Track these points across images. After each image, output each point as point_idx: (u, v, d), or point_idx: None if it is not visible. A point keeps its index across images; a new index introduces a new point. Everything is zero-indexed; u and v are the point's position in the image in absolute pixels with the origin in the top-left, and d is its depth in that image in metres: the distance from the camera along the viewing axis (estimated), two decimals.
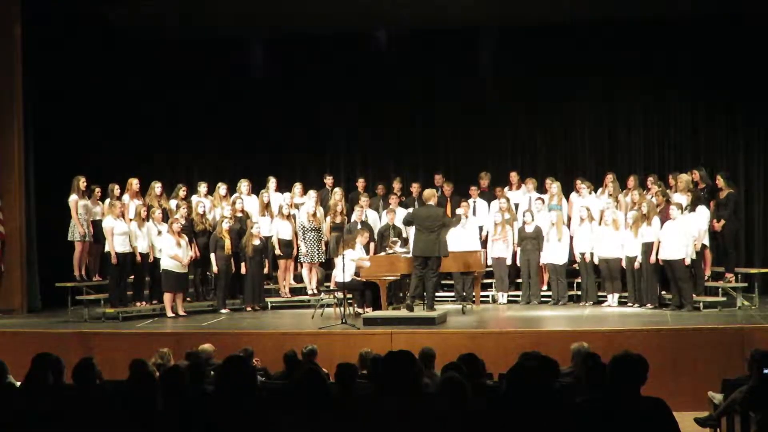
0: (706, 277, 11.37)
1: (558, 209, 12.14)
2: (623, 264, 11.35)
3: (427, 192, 10.92)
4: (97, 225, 11.77)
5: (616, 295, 11.47)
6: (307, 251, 12.24)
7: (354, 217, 12.45)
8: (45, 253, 12.49)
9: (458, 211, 12.16)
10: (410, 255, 10.60)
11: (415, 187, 13.12)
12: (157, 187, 12.02)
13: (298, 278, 12.72)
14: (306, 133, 14.66)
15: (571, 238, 11.95)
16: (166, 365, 7.04)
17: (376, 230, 12.38)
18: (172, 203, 12.13)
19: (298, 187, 12.85)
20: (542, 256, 11.93)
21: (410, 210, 11.69)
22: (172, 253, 11.16)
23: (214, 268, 11.76)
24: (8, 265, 12.06)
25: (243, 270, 11.84)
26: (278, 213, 12.30)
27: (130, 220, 11.41)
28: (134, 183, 12.02)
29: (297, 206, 12.63)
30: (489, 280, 12.47)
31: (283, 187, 13.00)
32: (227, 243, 11.66)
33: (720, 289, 11.25)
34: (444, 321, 10.20)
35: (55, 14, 12.67)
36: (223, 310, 11.61)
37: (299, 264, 12.62)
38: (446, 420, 4.10)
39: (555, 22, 13.40)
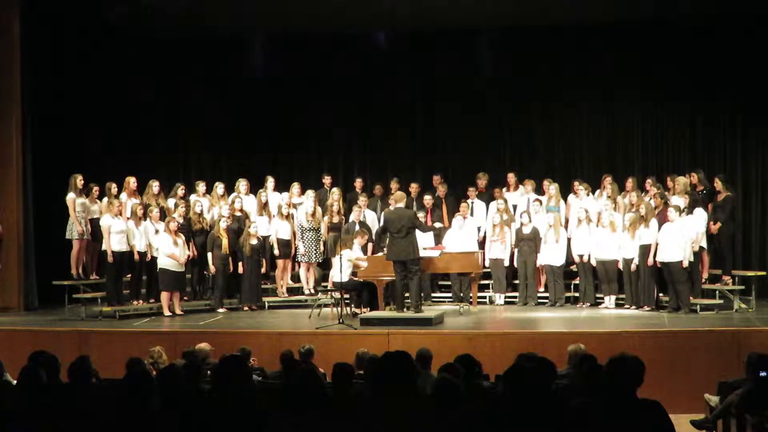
0: (703, 280, 11.36)
1: (556, 211, 12.14)
2: (620, 266, 11.36)
3: (398, 194, 10.88)
4: (94, 223, 11.78)
5: (613, 297, 11.48)
6: (305, 251, 12.24)
7: (352, 218, 12.44)
8: (42, 251, 12.48)
9: (436, 224, 12.30)
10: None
11: (413, 188, 13.09)
12: (154, 185, 12.04)
13: (296, 278, 12.72)
14: (305, 133, 14.65)
15: (569, 239, 11.95)
16: (158, 363, 7.04)
17: (374, 230, 12.37)
18: (170, 202, 12.13)
19: (296, 187, 12.84)
20: (539, 258, 11.93)
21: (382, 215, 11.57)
22: (169, 252, 11.16)
23: (212, 268, 11.76)
24: (5, 263, 12.05)
25: (240, 269, 11.84)
26: (277, 213, 12.30)
27: (127, 218, 11.42)
28: (131, 181, 12.03)
29: (295, 206, 12.62)
30: (486, 281, 12.45)
31: (281, 187, 12.99)
32: (225, 242, 11.66)
33: (717, 292, 11.26)
34: (441, 322, 10.20)
35: (54, 13, 12.67)
36: (221, 310, 11.61)
37: (297, 264, 12.62)
38: (441, 421, 4.10)
39: (554, 23, 13.39)
